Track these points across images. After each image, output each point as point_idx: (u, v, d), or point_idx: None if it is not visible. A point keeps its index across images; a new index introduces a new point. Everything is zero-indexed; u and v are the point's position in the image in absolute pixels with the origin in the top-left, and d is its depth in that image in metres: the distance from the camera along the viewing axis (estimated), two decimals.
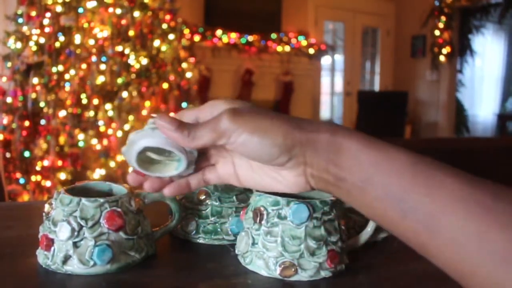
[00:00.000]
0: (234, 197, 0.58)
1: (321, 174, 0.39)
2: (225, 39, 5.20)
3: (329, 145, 0.38)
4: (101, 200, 0.47)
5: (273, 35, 5.55)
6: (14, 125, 3.07)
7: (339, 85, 6.56)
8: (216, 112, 0.42)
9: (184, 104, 3.45)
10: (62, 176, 2.99)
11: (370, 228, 0.52)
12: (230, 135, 0.40)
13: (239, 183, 0.45)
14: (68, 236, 0.46)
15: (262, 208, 0.48)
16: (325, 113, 6.52)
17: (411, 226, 0.34)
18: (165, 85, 3.35)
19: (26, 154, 3.03)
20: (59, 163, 3.01)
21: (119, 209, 0.48)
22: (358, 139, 0.39)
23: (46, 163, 3.00)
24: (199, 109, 0.45)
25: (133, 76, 3.20)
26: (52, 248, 0.47)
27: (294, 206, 0.46)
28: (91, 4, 3.07)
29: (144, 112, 3.27)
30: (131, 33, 3.18)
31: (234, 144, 0.40)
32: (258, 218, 0.48)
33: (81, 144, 3.05)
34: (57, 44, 3.05)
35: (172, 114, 0.47)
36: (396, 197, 0.35)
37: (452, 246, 0.32)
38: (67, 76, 3.06)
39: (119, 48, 3.14)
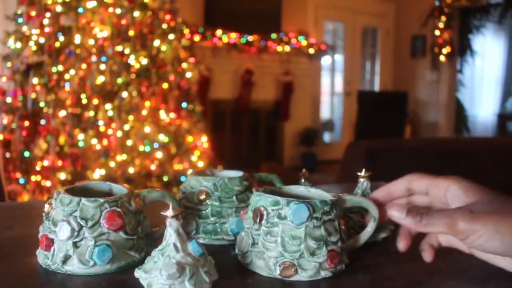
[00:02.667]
0: (234, 197, 0.58)
1: None
2: (225, 39, 5.20)
3: None
4: (101, 200, 0.47)
5: (273, 35, 5.55)
6: (14, 125, 3.07)
7: (339, 85, 6.56)
8: (451, 194, 0.46)
9: (184, 104, 3.45)
10: (62, 176, 2.99)
11: (370, 228, 0.52)
12: (467, 236, 0.42)
13: (469, 252, 0.48)
14: (68, 236, 0.46)
15: (262, 208, 0.47)
16: (325, 113, 6.52)
17: None
18: (165, 85, 3.35)
19: (26, 154, 3.03)
20: (59, 163, 3.01)
21: (119, 209, 0.48)
22: None
23: (46, 163, 3.00)
24: (429, 184, 0.48)
25: (133, 76, 3.20)
26: (52, 248, 0.47)
27: (294, 206, 0.46)
28: (91, 4, 3.07)
29: (144, 112, 3.27)
30: (131, 33, 3.18)
31: (472, 244, 0.42)
32: (258, 218, 0.47)
33: (81, 144, 3.05)
34: (57, 44, 3.05)
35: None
36: None
37: None
38: (67, 76, 3.06)
39: (119, 48, 3.14)
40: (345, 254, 0.49)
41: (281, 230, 0.46)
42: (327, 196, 0.49)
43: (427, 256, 0.48)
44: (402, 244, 0.49)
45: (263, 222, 0.47)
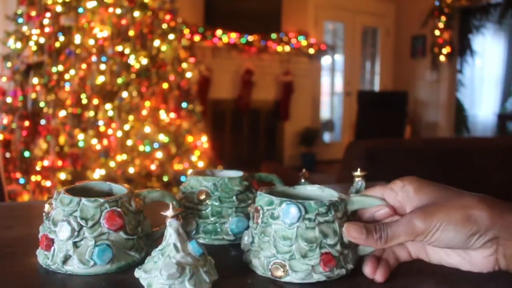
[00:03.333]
0: (234, 197, 0.58)
1: None
2: (225, 39, 5.20)
3: None
4: (101, 200, 0.47)
5: (273, 35, 5.55)
6: (14, 125, 3.07)
7: (339, 85, 6.56)
8: (404, 195, 0.46)
9: (184, 104, 3.45)
10: (62, 176, 2.99)
11: None
12: (426, 235, 0.43)
13: (428, 259, 0.49)
14: (68, 236, 0.46)
15: (259, 207, 0.47)
16: (325, 113, 6.52)
17: None
18: (165, 85, 3.35)
19: (26, 154, 3.03)
20: (59, 163, 3.01)
21: (119, 209, 0.48)
22: None
23: (46, 163, 3.00)
24: (384, 188, 0.48)
25: (133, 76, 3.20)
26: (52, 248, 0.47)
27: (285, 206, 0.45)
28: (91, 4, 3.07)
29: (144, 112, 3.27)
30: (131, 33, 3.18)
31: (431, 239, 0.44)
32: (255, 217, 0.48)
33: (81, 144, 3.05)
34: (57, 44, 3.05)
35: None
36: None
37: None
38: (67, 76, 3.06)
39: (119, 48, 3.14)
40: (348, 258, 0.47)
41: (274, 230, 0.46)
42: (334, 196, 0.48)
43: (378, 275, 0.46)
44: (372, 271, 0.46)
45: (259, 221, 0.47)
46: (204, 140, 3.54)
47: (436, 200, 0.45)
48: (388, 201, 0.48)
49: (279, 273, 0.45)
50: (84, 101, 3.09)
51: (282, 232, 0.45)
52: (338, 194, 0.48)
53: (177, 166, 3.37)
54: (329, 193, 0.50)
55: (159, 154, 3.28)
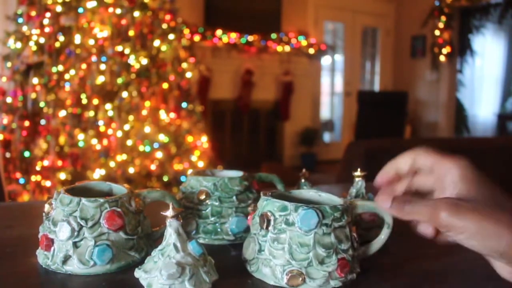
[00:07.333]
0: (234, 197, 0.58)
1: None
2: (225, 39, 5.20)
3: None
4: (101, 200, 0.47)
5: (273, 35, 5.55)
6: (14, 125, 3.07)
7: (339, 85, 6.56)
8: (449, 179, 0.43)
9: (184, 104, 3.45)
10: (62, 176, 2.99)
11: (383, 235, 0.49)
12: (448, 230, 0.40)
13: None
14: (68, 236, 0.46)
15: (269, 214, 0.45)
16: (325, 113, 6.52)
17: None
18: (165, 85, 3.34)
19: (26, 154, 3.03)
20: (59, 163, 3.01)
21: (119, 209, 0.48)
22: None
23: (46, 163, 3.00)
24: (438, 163, 0.45)
25: (133, 76, 3.20)
26: (52, 248, 0.47)
27: (302, 211, 0.44)
28: (91, 4, 3.07)
29: (144, 112, 3.27)
30: (131, 33, 3.18)
31: (451, 237, 0.41)
32: (265, 224, 0.45)
33: (81, 144, 3.05)
34: (57, 44, 3.05)
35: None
36: None
37: None
38: (67, 76, 3.06)
39: (119, 48, 3.14)
40: (356, 262, 0.47)
41: (289, 237, 0.44)
42: (338, 201, 0.48)
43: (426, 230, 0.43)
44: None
45: (270, 228, 0.45)
46: (204, 140, 3.54)
47: (477, 197, 0.41)
48: (436, 177, 0.45)
49: (296, 281, 0.43)
50: (84, 101, 3.09)
51: (299, 238, 0.44)
52: (342, 199, 0.48)
53: (177, 166, 3.37)
54: (327, 198, 0.50)
55: (159, 154, 3.28)
